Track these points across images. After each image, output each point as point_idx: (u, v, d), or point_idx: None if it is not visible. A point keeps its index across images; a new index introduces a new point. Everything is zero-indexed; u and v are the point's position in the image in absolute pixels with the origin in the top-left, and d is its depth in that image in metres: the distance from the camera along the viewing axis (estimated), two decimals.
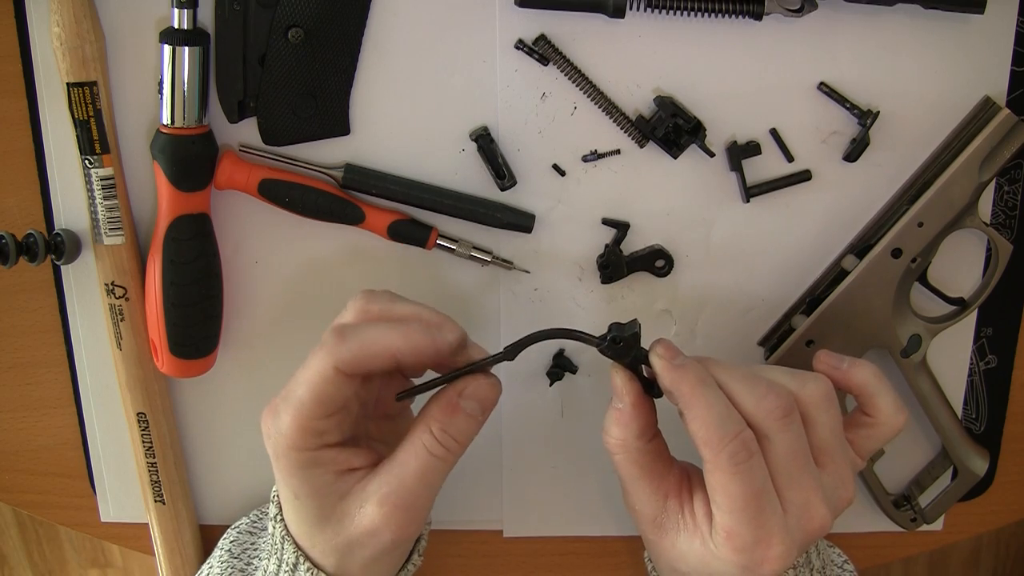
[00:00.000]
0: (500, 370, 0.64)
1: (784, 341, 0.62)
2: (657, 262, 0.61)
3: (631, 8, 0.55)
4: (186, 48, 0.54)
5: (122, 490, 0.67)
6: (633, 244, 0.61)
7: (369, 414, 0.54)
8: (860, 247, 0.61)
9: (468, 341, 0.52)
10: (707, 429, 0.48)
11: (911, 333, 0.61)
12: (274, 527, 0.54)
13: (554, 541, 0.69)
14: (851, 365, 0.54)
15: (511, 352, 0.51)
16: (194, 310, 0.58)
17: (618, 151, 0.59)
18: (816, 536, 0.50)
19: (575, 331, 0.51)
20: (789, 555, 0.49)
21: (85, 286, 0.62)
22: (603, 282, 0.62)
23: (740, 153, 0.59)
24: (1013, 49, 0.58)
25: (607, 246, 0.61)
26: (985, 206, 0.61)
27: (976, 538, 1.20)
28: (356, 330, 0.49)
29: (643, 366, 0.51)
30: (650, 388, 0.52)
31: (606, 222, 0.61)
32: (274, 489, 0.55)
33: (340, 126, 0.59)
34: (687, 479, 0.53)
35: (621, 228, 0.61)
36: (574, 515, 0.68)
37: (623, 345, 0.50)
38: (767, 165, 0.60)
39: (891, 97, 0.59)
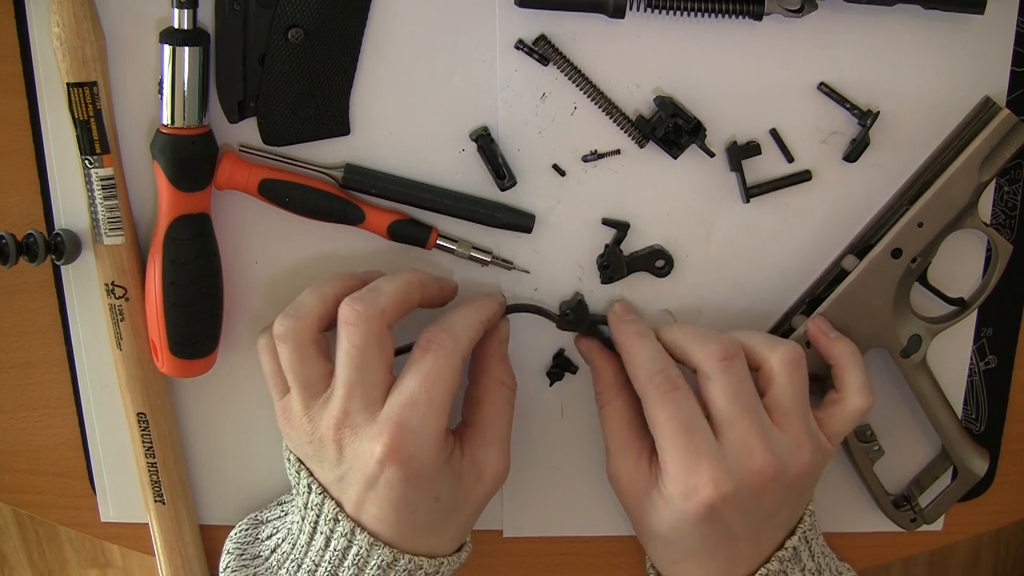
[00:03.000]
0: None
1: None
2: (657, 262, 0.61)
3: (631, 8, 0.55)
4: (186, 48, 0.54)
5: (122, 490, 0.67)
6: (633, 244, 0.61)
7: None
8: (860, 247, 0.61)
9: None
10: (637, 368, 0.55)
11: (911, 333, 0.61)
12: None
13: (554, 541, 0.69)
14: (837, 337, 0.59)
15: None
16: (194, 310, 0.58)
17: (618, 151, 0.59)
18: (757, 480, 0.52)
19: (537, 307, 0.61)
20: (721, 482, 0.51)
21: (85, 286, 0.62)
22: (603, 282, 0.62)
23: (740, 153, 0.59)
24: (1013, 49, 0.58)
25: (607, 246, 0.61)
26: (985, 206, 0.61)
27: (976, 538, 1.20)
28: (456, 323, 0.55)
29: (601, 327, 0.61)
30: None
31: (606, 222, 0.61)
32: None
33: (340, 126, 0.59)
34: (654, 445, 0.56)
35: (621, 228, 0.61)
36: (574, 515, 0.68)
37: (574, 315, 0.60)
38: (767, 165, 0.60)
39: (891, 97, 0.59)
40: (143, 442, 0.63)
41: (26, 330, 0.64)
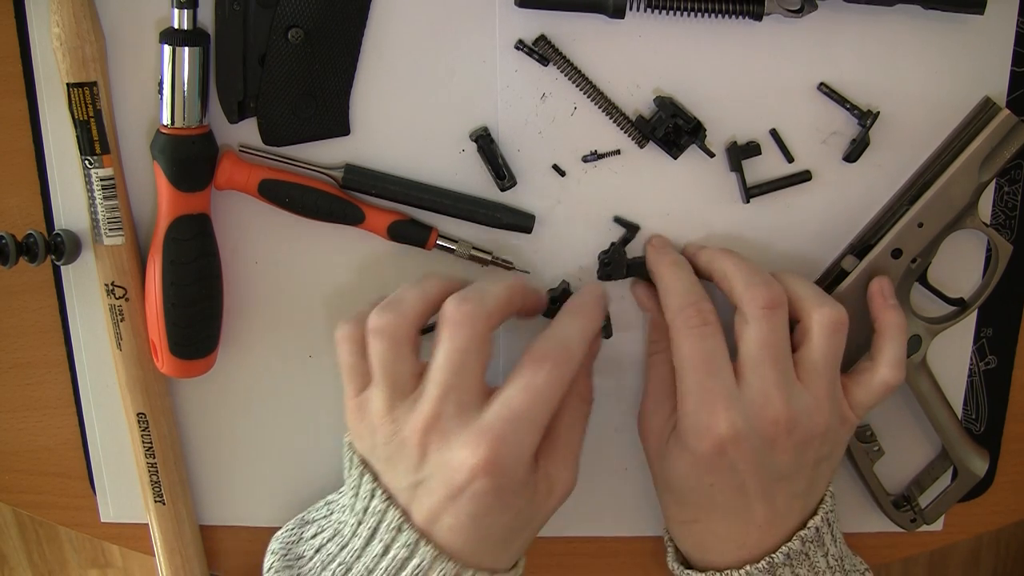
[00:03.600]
0: (499, 370, 0.64)
1: None
2: None
3: (631, 8, 0.55)
4: (186, 48, 0.54)
5: (122, 490, 0.67)
6: (634, 244, 0.61)
7: None
8: (860, 247, 0.61)
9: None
10: (670, 298, 0.55)
11: (911, 333, 0.61)
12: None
13: (554, 541, 0.69)
14: (893, 307, 0.58)
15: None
16: (194, 310, 0.58)
17: (618, 151, 0.59)
18: (770, 428, 0.52)
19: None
20: (733, 424, 0.51)
21: (85, 286, 0.62)
22: (599, 278, 0.61)
23: (740, 153, 0.59)
24: (1013, 49, 0.58)
25: (613, 244, 0.61)
26: (985, 206, 0.61)
27: (976, 538, 1.20)
28: (563, 336, 0.52)
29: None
30: (602, 332, 0.59)
31: (618, 220, 0.61)
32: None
33: (340, 126, 0.59)
34: None
35: (631, 229, 0.61)
36: (574, 515, 0.68)
37: (560, 304, 0.57)
38: (767, 165, 0.60)
39: (891, 97, 0.59)
40: (143, 442, 0.63)
41: (26, 330, 0.64)
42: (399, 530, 0.51)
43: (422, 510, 0.51)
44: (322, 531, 0.57)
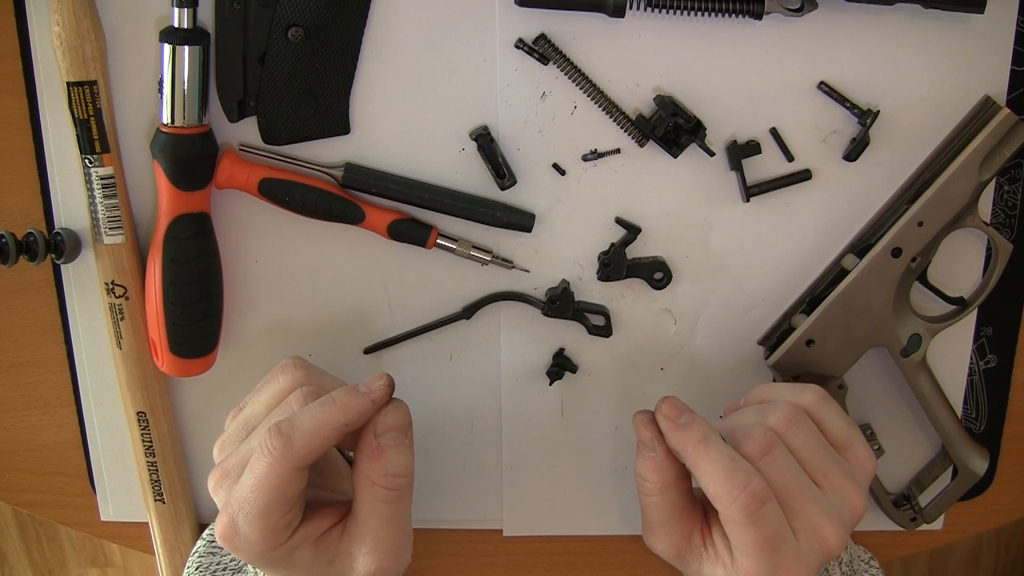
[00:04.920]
0: (499, 369, 0.64)
1: (784, 340, 0.62)
2: (656, 274, 0.61)
3: (631, 7, 0.55)
4: (186, 47, 0.54)
5: (122, 489, 0.67)
6: (634, 245, 0.61)
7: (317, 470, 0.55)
8: (860, 246, 0.61)
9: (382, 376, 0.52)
10: (716, 485, 0.49)
11: (911, 332, 0.61)
12: None
13: (554, 540, 0.69)
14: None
15: (468, 312, 0.61)
16: (194, 309, 0.58)
17: (618, 150, 0.59)
18: (833, 554, 0.51)
19: (523, 294, 0.61)
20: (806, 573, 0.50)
21: (85, 285, 0.62)
22: (600, 279, 0.62)
23: (740, 152, 0.59)
24: (1013, 48, 0.58)
25: (613, 245, 0.61)
26: (985, 205, 0.61)
27: (976, 537, 1.20)
28: (297, 426, 0.49)
29: (587, 315, 0.62)
30: (601, 331, 0.62)
31: (619, 222, 0.61)
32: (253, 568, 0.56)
33: (340, 125, 0.59)
34: (705, 512, 0.54)
35: (632, 231, 0.61)
36: (574, 514, 0.68)
37: (559, 303, 0.60)
38: (767, 164, 0.60)
39: (891, 96, 0.59)
40: (143, 441, 0.63)
41: (26, 329, 0.64)
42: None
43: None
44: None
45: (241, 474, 0.49)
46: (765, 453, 0.50)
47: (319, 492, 0.55)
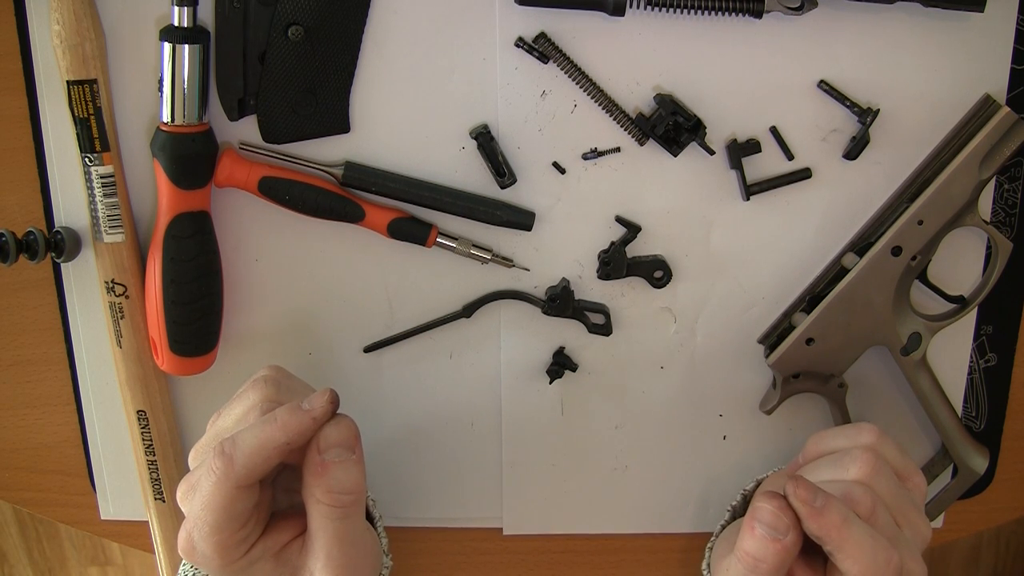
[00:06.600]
0: (499, 368, 0.64)
1: (784, 339, 0.62)
2: (656, 272, 0.61)
3: (631, 6, 0.55)
4: (186, 46, 0.54)
5: (122, 488, 0.67)
6: (634, 243, 0.61)
7: (275, 484, 0.55)
8: (860, 245, 0.61)
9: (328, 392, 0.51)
10: (861, 567, 0.48)
11: (911, 331, 0.61)
12: None
13: (554, 539, 0.69)
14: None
15: (468, 310, 0.62)
16: (194, 308, 0.58)
17: (618, 149, 0.59)
18: None
19: (523, 293, 0.61)
20: None
21: (85, 284, 0.62)
22: (600, 277, 0.62)
23: (740, 151, 0.59)
24: (1013, 47, 0.58)
25: (613, 243, 0.61)
26: (985, 204, 0.61)
27: (976, 536, 1.20)
28: (239, 446, 0.49)
29: (587, 314, 0.62)
30: (601, 329, 0.62)
31: (619, 220, 0.61)
32: None
33: (340, 124, 0.59)
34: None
35: (632, 229, 0.61)
36: (574, 513, 0.68)
37: (560, 301, 0.61)
38: (767, 163, 0.60)
39: (891, 95, 0.59)
40: (143, 440, 0.63)
41: (26, 328, 0.64)
42: None
43: None
44: None
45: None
46: (871, 514, 0.50)
47: (295, 499, 0.54)
